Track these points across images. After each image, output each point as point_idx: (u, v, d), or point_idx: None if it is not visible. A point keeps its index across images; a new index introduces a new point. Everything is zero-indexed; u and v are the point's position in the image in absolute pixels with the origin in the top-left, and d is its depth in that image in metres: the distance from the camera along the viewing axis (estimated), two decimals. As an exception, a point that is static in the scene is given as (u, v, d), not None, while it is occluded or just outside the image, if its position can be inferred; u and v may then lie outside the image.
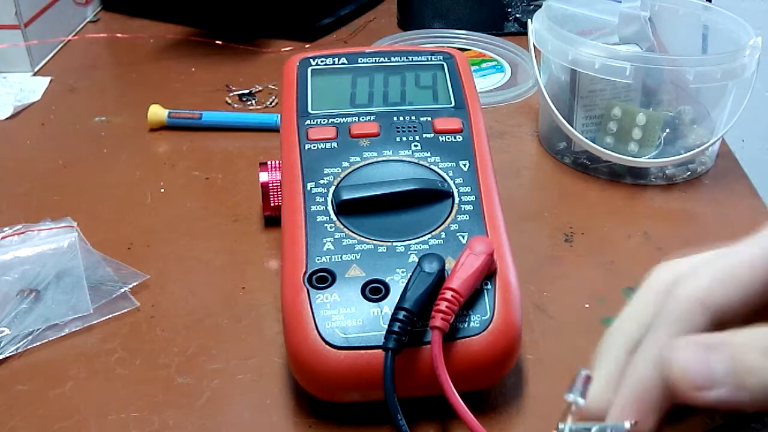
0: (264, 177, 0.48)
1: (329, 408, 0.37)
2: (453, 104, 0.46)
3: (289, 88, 0.47)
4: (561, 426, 0.27)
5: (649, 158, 0.54)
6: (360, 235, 0.39)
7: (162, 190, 0.55)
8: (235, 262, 0.48)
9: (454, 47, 0.66)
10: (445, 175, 0.41)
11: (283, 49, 0.77)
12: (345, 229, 0.39)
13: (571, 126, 0.55)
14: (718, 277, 0.28)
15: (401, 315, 0.34)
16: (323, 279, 0.37)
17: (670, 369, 0.26)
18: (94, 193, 0.55)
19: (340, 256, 0.38)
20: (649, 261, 0.48)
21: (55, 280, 0.44)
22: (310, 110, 0.45)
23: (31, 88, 0.70)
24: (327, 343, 0.35)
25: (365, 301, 0.36)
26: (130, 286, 0.44)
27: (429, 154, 0.43)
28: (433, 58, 0.49)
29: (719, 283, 0.28)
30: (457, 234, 0.39)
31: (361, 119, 0.44)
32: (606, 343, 0.30)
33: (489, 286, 0.36)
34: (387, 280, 0.37)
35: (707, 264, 0.29)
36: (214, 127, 0.62)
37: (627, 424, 0.26)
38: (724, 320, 0.28)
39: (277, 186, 0.48)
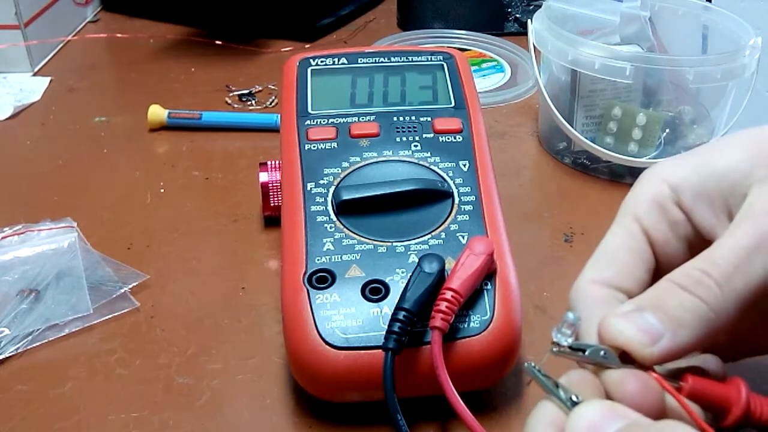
0: (264, 177, 0.48)
1: (329, 408, 0.37)
2: (453, 104, 0.46)
3: (289, 88, 0.47)
4: (554, 350, 0.27)
5: (649, 158, 0.54)
6: (360, 236, 0.39)
7: (162, 190, 0.55)
8: (235, 262, 0.48)
9: (454, 47, 0.66)
10: (445, 175, 0.41)
11: (283, 49, 0.77)
12: (345, 230, 0.39)
13: (571, 126, 0.55)
14: (604, 263, 0.30)
15: (401, 315, 0.34)
16: (323, 279, 0.37)
17: (616, 340, 0.27)
18: (94, 193, 0.55)
19: (340, 256, 0.38)
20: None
21: (55, 280, 0.44)
22: (310, 110, 0.45)
23: (31, 88, 0.70)
24: (327, 343, 0.35)
25: (365, 301, 0.36)
26: (130, 286, 0.44)
27: (429, 155, 0.43)
28: (433, 58, 0.49)
29: (606, 271, 0.30)
30: (457, 234, 0.39)
31: (360, 119, 0.44)
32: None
33: (489, 287, 0.36)
34: (387, 281, 0.37)
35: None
36: (214, 127, 0.62)
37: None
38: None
39: (277, 186, 0.48)
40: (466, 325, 0.35)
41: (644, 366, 0.27)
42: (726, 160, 0.29)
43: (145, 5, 0.86)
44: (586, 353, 0.27)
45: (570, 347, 0.27)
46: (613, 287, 0.29)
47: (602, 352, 0.27)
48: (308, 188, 0.41)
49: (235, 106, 0.67)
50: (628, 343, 0.26)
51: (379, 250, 0.38)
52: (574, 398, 0.26)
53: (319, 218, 0.39)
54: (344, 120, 0.44)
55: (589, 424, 0.25)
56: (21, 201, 0.54)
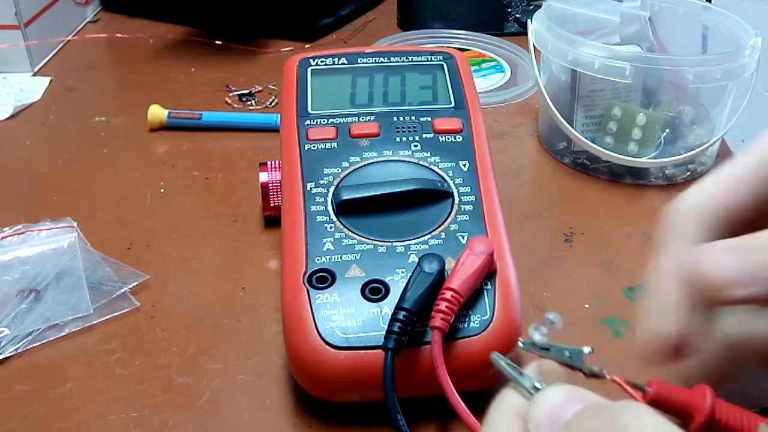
0: (264, 177, 0.48)
1: (329, 408, 0.37)
2: (453, 104, 0.46)
3: (289, 88, 0.47)
4: (520, 344, 0.28)
5: (649, 158, 0.54)
6: (360, 235, 0.39)
7: (162, 190, 0.55)
8: (235, 262, 0.48)
9: (454, 47, 0.66)
10: (444, 175, 0.41)
11: (283, 49, 0.77)
12: (345, 229, 0.39)
13: (571, 126, 0.55)
14: (717, 183, 0.29)
15: (401, 315, 0.34)
16: (323, 279, 0.37)
17: (704, 271, 0.26)
18: (94, 193, 0.55)
19: (339, 256, 0.38)
20: (648, 261, 0.48)
21: (55, 280, 0.44)
22: (310, 110, 0.45)
23: (31, 88, 0.70)
24: (327, 343, 0.35)
25: (365, 301, 0.36)
26: (130, 286, 0.44)
27: (429, 154, 0.43)
28: (432, 58, 0.49)
29: (717, 189, 0.29)
30: (457, 234, 0.39)
31: (360, 119, 0.44)
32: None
33: (489, 286, 0.36)
34: (387, 280, 0.37)
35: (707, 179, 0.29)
36: (214, 127, 0.62)
37: (586, 350, 0.27)
38: (734, 227, 0.28)
39: (277, 186, 0.48)
40: (466, 325, 0.35)
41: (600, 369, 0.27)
42: None
43: (145, 5, 0.86)
44: (551, 351, 0.27)
45: (536, 344, 0.28)
46: (721, 211, 0.28)
47: (567, 353, 0.27)
48: (308, 188, 0.41)
49: (235, 106, 0.67)
50: (717, 277, 0.25)
51: (379, 250, 0.38)
52: (537, 385, 0.27)
53: (319, 218, 0.39)
54: (344, 120, 0.44)
55: (552, 406, 0.24)
56: (21, 201, 0.54)
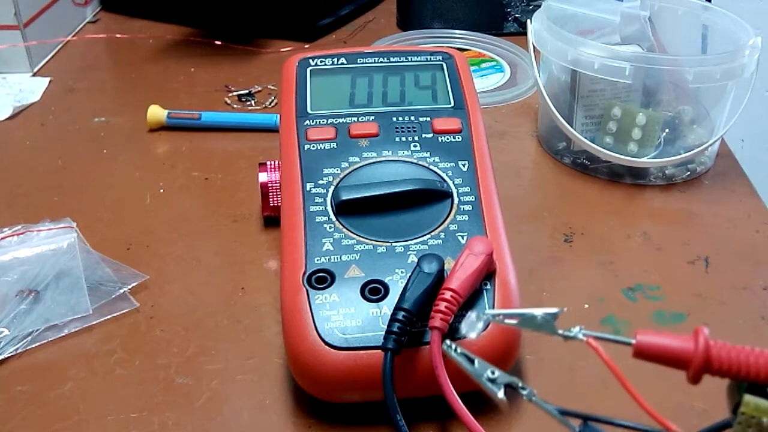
0: (263, 177, 0.48)
1: (329, 408, 0.37)
2: (452, 104, 0.46)
3: (288, 88, 0.47)
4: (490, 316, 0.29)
5: (648, 158, 0.54)
6: (359, 236, 0.39)
7: (161, 191, 0.55)
8: (235, 262, 0.48)
9: (454, 47, 0.66)
10: (444, 175, 0.41)
11: (282, 49, 0.77)
12: (344, 230, 0.39)
13: (571, 126, 0.55)
14: None
15: (400, 315, 0.34)
16: (322, 279, 0.37)
17: None
18: (94, 193, 0.55)
19: (339, 256, 0.38)
20: (648, 261, 0.48)
21: (55, 281, 0.44)
22: (309, 110, 0.45)
23: (31, 88, 0.70)
24: (326, 343, 0.35)
25: (364, 301, 0.36)
26: (130, 286, 0.44)
27: (428, 155, 0.43)
28: (432, 59, 0.49)
29: None
30: (457, 234, 0.39)
31: (360, 119, 0.44)
32: None
33: (488, 287, 0.36)
34: (386, 281, 0.37)
35: None
36: (213, 128, 0.62)
37: (555, 310, 0.28)
38: None
39: (276, 186, 0.48)
40: (465, 325, 0.35)
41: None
42: None
43: (145, 5, 0.86)
44: (521, 320, 0.28)
45: (496, 315, 0.28)
46: None
47: (538, 319, 0.28)
48: (307, 188, 0.41)
49: (235, 106, 0.67)
50: None
51: (379, 251, 0.38)
52: (490, 374, 0.27)
53: (319, 218, 0.39)
54: (343, 120, 0.44)
55: None
56: (20, 201, 0.54)
